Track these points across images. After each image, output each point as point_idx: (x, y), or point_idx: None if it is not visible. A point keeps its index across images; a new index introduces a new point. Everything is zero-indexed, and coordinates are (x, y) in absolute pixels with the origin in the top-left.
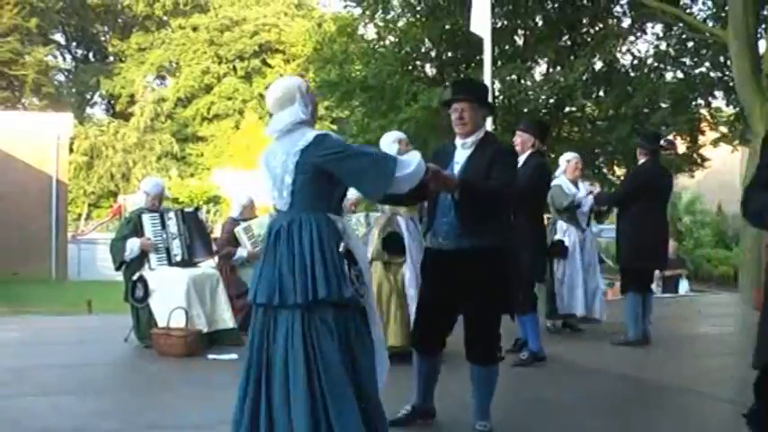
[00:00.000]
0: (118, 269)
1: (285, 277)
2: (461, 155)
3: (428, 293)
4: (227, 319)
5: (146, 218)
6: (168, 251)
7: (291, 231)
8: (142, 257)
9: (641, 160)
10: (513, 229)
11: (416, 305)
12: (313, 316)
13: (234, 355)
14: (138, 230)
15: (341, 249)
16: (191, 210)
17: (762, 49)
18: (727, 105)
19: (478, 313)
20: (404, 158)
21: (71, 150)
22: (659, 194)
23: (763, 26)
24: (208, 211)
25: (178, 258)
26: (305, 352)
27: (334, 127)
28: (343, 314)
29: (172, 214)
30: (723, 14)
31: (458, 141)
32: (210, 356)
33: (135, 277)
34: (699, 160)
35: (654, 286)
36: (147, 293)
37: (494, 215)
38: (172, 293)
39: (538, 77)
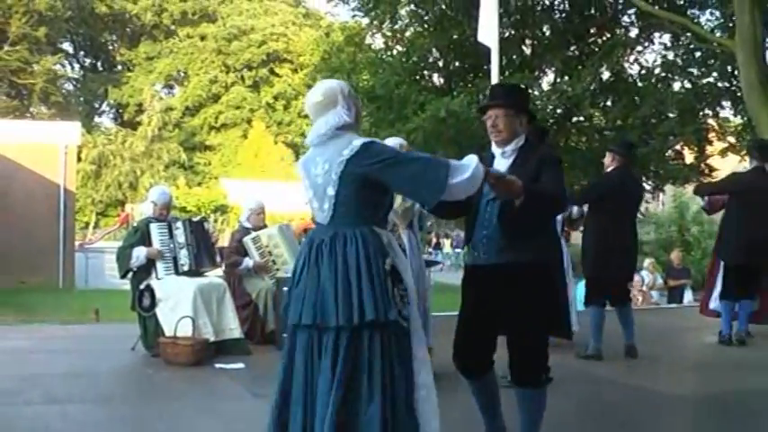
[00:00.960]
0: (123, 277)
1: (328, 297)
2: (501, 164)
3: (467, 312)
4: (234, 329)
5: (153, 227)
6: (175, 260)
7: (335, 247)
8: (149, 266)
9: (611, 167)
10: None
11: (457, 327)
12: (360, 337)
13: (241, 365)
14: (145, 239)
15: (387, 266)
16: (197, 219)
17: None
18: (735, 115)
19: (526, 332)
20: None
21: (79, 159)
22: (627, 204)
23: None
24: (215, 221)
25: (185, 268)
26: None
27: None
28: (387, 334)
29: (180, 224)
30: (731, 24)
31: (495, 150)
32: (217, 365)
33: (142, 286)
34: (706, 170)
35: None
36: (153, 302)
37: (542, 227)
38: (179, 302)
39: (545, 87)
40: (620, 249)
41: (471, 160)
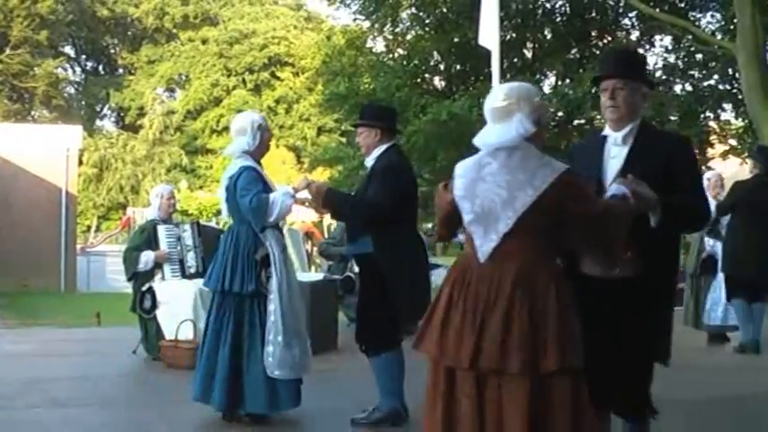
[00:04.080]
0: (130, 279)
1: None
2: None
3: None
4: None
5: (161, 229)
6: (182, 263)
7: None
8: (153, 268)
9: (752, 173)
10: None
11: None
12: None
13: None
14: (151, 240)
15: (257, 256)
16: (206, 222)
17: None
18: (736, 118)
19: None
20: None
21: (80, 162)
22: (759, 208)
23: None
24: (217, 224)
25: (192, 270)
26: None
27: (344, 140)
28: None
29: (187, 226)
30: (731, 27)
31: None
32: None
33: (144, 288)
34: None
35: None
36: (154, 304)
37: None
38: (180, 306)
39: (547, 90)
40: (754, 250)
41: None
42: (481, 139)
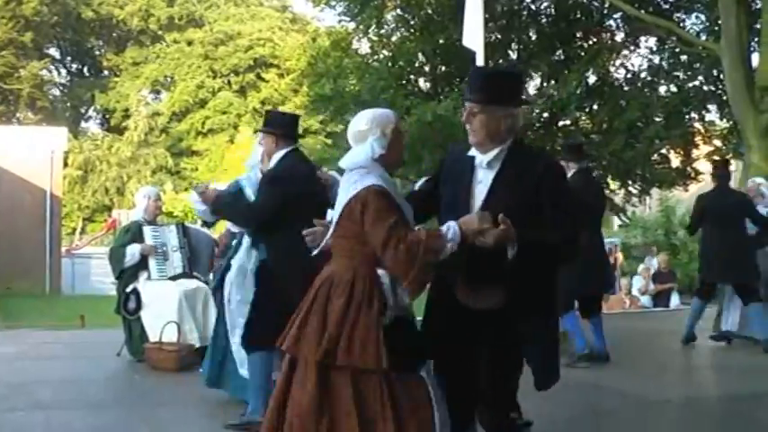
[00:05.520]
0: (118, 277)
1: None
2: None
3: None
4: None
5: (146, 229)
6: (168, 263)
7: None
8: (138, 269)
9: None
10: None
11: None
12: None
13: None
14: (137, 240)
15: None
16: (191, 224)
17: (755, 63)
18: (721, 119)
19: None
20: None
21: (65, 164)
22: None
23: (756, 39)
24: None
25: (178, 270)
26: None
27: (329, 141)
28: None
29: (173, 227)
30: (716, 28)
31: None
32: (203, 371)
33: (128, 289)
34: (693, 174)
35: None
36: (139, 306)
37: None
38: (164, 308)
39: (532, 91)
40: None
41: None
42: (343, 161)
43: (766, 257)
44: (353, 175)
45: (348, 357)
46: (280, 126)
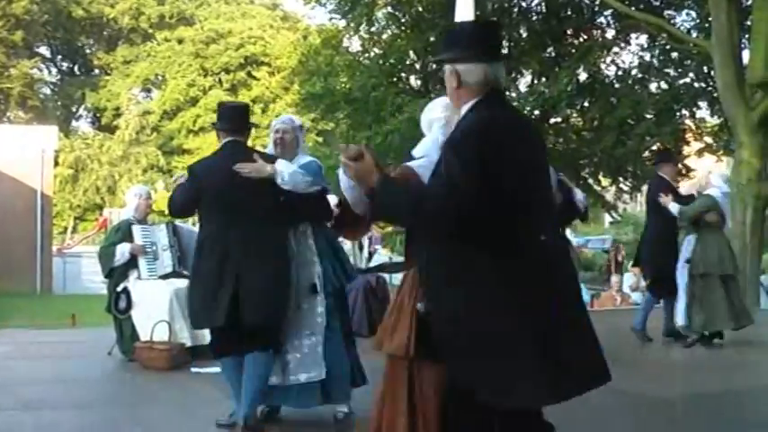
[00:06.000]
0: (107, 276)
1: None
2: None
3: None
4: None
5: (136, 228)
6: (159, 262)
7: None
8: (128, 268)
9: None
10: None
11: None
12: None
13: (217, 369)
14: (127, 240)
15: None
16: (181, 223)
17: (745, 60)
18: (712, 116)
19: None
20: None
21: (56, 163)
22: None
23: (747, 36)
24: (193, 224)
25: (169, 269)
26: None
27: (320, 139)
28: None
29: (162, 226)
30: (707, 25)
31: None
32: (194, 370)
33: (119, 288)
34: (684, 170)
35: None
36: (129, 305)
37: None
38: (155, 307)
39: (523, 89)
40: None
41: None
42: (416, 149)
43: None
44: (420, 165)
45: (387, 344)
46: (218, 120)
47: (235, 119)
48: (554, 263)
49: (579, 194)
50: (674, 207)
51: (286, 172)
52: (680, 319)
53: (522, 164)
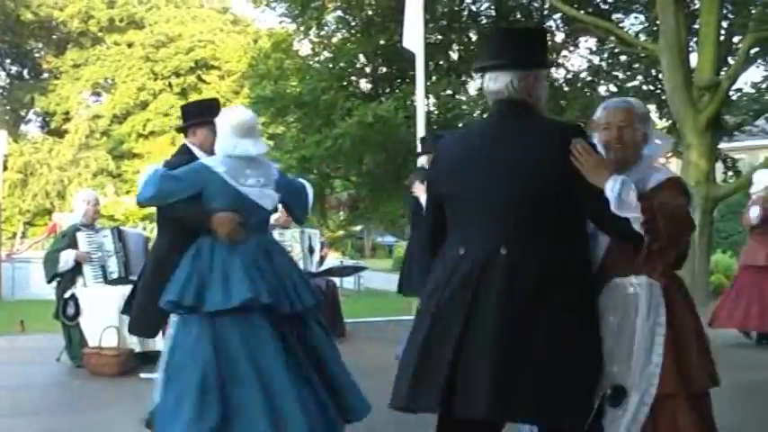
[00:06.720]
0: (50, 281)
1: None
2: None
3: None
4: (159, 339)
5: (81, 235)
6: (104, 268)
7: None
8: (75, 274)
9: None
10: None
11: None
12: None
13: None
14: (73, 246)
15: None
16: (127, 227)
17: (693, 63)
18: (660, 118)
19: None
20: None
21: (5, 168)
22: None
23: (695, 39)
24: (144, 228)
25: (114, 276)
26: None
27: (270, 143)
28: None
29: (107, 231)
30: (655, 29)
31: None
32: (143, 375)
33: (67, 295)
34: None
35: None
36: (78, 311)
37: None
38: (103, 312)
39: (472, 92)
40: None
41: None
42: None
43: None
44: None
45: None
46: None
47: (184, 120)
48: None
49: None
50: None
51: None
52: None
53: None
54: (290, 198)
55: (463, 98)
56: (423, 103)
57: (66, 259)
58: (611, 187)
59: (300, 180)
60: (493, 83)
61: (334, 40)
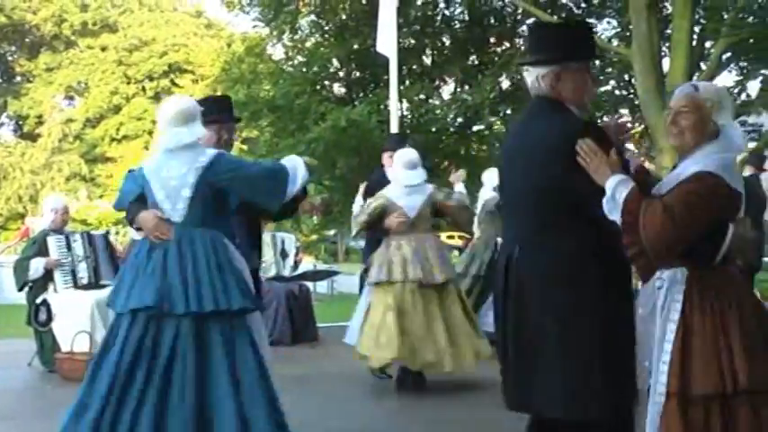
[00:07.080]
0: (20, 289)
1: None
2: None
3: None
4: None
5: (51, 240)
6: (74, 273)
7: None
8: (46, 280)
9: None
10: None
11: None
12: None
13: None
14: (43, 252)
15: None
16: (97, 232)
17: (665, 67)
18: (633, 123)
19: None
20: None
21: None
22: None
23: (667, 45)
24: (117, 233)
25: (84, 281)
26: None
27: (244, 147)
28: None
29: (77, 236)
30: (628, 33)
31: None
32: None
33: (38, 300)
34: None
35: None
36: (50, 317)
37: None
38: (75, 317)
39: (446, 96)
40: None
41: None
42: None
43: None
44: None
45: None
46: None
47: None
48: None
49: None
50: None
51: None
52: None
53: None
54: (244, 188)
55: (437, 102)
56: (396, 107)
57: (36, 267)
58: (608, 187)
59: (278, 162)
60: (528, 79)
61: (308, 44)
